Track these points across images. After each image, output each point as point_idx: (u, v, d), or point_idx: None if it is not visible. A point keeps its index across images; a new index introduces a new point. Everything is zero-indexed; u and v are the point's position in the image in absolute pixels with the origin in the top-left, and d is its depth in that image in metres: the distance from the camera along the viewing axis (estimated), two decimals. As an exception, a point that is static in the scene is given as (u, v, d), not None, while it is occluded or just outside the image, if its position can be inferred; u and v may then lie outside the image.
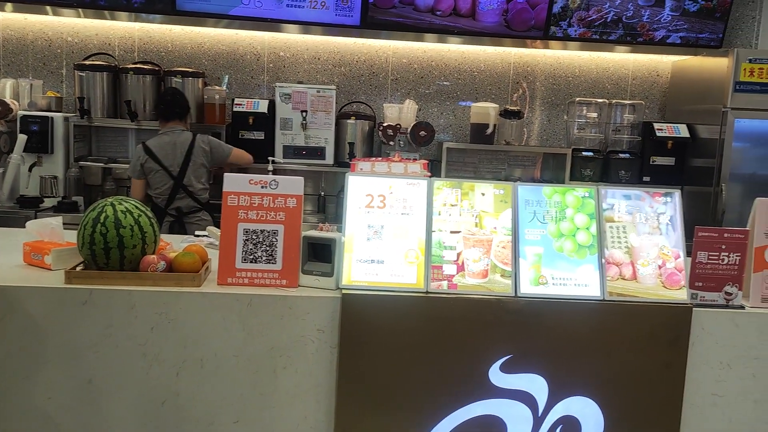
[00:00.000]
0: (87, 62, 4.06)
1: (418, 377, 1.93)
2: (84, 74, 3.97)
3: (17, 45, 4.29)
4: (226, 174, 2.02)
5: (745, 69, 3.85)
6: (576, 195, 2.04)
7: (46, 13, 4.13)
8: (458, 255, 1.98)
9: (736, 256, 1.98)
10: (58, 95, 4.12)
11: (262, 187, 2.00)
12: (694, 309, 1.95)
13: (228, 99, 4.25)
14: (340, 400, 1.92)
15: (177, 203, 3.52)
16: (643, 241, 2.00)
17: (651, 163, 4.32)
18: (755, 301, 2.02)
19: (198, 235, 2.73)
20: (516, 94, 4.60)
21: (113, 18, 4.17)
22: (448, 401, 1.94)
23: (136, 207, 1.94)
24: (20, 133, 3.70)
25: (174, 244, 2.29)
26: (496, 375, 1.94)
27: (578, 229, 2.01)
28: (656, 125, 4.29)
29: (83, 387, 1.86)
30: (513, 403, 1.95)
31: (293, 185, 2.02)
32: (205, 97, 4.14)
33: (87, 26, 4.29)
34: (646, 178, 4.33)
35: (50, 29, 4.29)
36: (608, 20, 4.31)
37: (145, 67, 4.09)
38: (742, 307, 2.00)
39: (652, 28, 4.33)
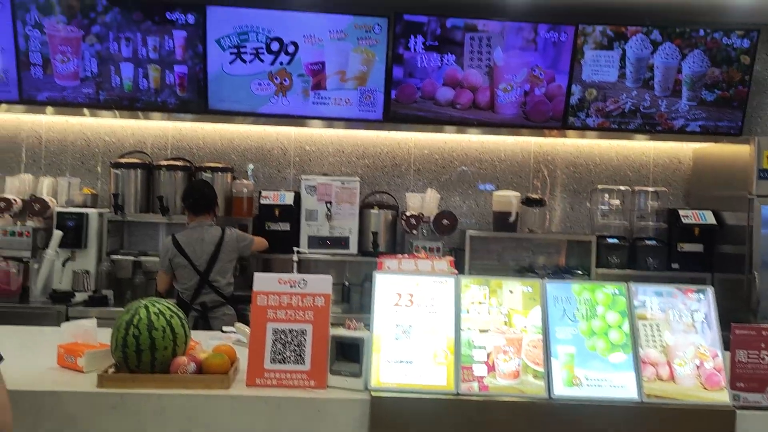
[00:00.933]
0: (122, 160, 4.23)
1: (451, 485, 1.86)
2: (119, 172, 4.13)
3: (58, 146, 4.50)
4: (256, 274, 2.05)
5: (767, 156, 3.87)
6: (606, 292, 2.02)
7: (85, 115, 4.36)
8: (488, 355, 1.95)
9: (777, 354, 1.92)
10: (94, 192, 4.28)
11: (291, 286, 2.02)
12: (737, 412, 1.87)
13: (255, 192, 4.37)
14: None
15: (202, 298, 3.54)
16: (679, 340, 1.95)
17: (679, 250, 4.27)
18: (801, 402, 1.93)
19: (225, 331, 2.73)
20: (536, 180, 4.66)
21: (148, 118, 4.38)
22: None
23: (168, 308, 1.96)
24: (56, 229, 3.82)
25: (203, 342, 2.30)
26: (531, 483, 1.86)
27: (610, 327, 1.98)
28: (681, 212, 4.28)
29: (108, 495, 1.82)
30: None
31: (322, 284, 2.04)
32: (234, 190, 4.27)
33: (123, 126, 4.51)
34: (675, 266, 4.28)
35: (89, 130, 4.51)
36: (626, 110, 4.41)
37: (178, 163, 4.25)
38: (788, 409, 1.92)
39: (671, 117, 4.42)
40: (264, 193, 4.26)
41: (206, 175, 4.19)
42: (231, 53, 4.21)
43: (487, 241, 4.62)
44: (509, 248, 4.68)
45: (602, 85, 4.37)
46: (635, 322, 1.98)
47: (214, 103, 4.26)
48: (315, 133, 4.62)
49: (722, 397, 1.89)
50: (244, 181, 4.31)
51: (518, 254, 4.69)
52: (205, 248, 3.55)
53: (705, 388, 1.90)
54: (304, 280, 2.04)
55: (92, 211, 4.03)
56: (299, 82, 4.29)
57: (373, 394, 1.89)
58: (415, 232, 4.26)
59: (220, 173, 4.24)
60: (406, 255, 2.30)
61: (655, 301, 2.01)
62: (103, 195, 4.38)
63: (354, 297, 4.42)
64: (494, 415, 1.87)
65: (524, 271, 4.50)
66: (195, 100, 4.27)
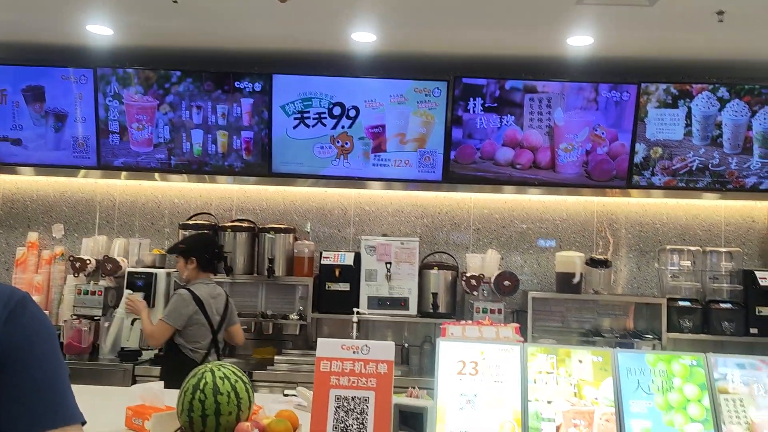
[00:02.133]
0: (190, 222, 4.40)
1: None
2: (186, 233, 4.28)
3: (130, 208, 4.73)
4: (319, 340, 2.05)
5: None
6: (683, 363, 1.92)
7: (157, 179, 4.58)
8: (558, 428, 1.87)
9: None
10: (163, 252, 4.44)
11: (354, 352, 2.01)
12: (837, 499, 1.71)
13: (316, 252, 4.43)
14: None
15: (211, 358, 3.41)
16: (765, 417, 1.82)
17: (757, 314, 4.04)
18: None
19: (287, 395, 2.73)
20: (601, 239, 4.54)
21: (215, 181, 4.56)
22: None
23: (234, 373, 1.98)
24: (126, 288, 3.97)
25: (265, 407, 2.30)
26: None
27: (689, 401, 1.87)
28: (758, 273, 4.07)
29: None
30: None
31: (385, 350, 2.02)
32: (296, 250, 4.34)
33: (192, 189, 4.71)
34: (753, 330, 4.04)
35: (159, 193, 4.73)
36: (693, 169, 4.29)
37: (242, 224, 4.38)
38: None
39: (742, 175, 4.26)
40: (325, 254, 4.32)
41: (269, 236, 4.29)
42: (295, 118, 4.37)
43: (550, 302, 4.50)
44: (573, 309, 4.54)
45: (668, 144, 4.29)
46: (716, 397, 1.86)
47: (278, 166, 4.41)
48: (375, 194, 4.69)
49: (819, 482, 1.73)
50: (305, 242, 4.39)
51: (582, 316, 4.53)
52: (218, 307, 3.50)
53: (799, 472, 1.75)
54: (367, 346, 2.02)
55: (161, 271, 4.17)
56: (360, 145, 4.39)
57: (438, 467, 1.83)
58: (475, 293, 4.21)
59: (282, 234, 4.33)
60: (470, 321, 2.26)
61: (737, 373, 1.89)
62: (172, 256, 4.54)
63: (413, 359, 4.36)
64: (566, 494, 1.78)
65: (590, 334, 4.34)
66: (259, 163, 4.42)
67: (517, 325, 2.23)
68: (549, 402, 1.91)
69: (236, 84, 4.35)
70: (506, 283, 4.20)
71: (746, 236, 4.50)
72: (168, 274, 4.19)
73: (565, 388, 1.93)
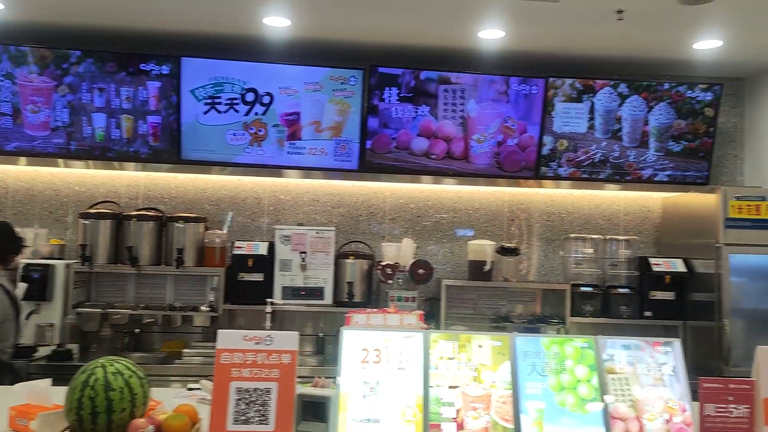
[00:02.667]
0: (92, 210, 4.18)
1: None
2: (88, 222, 4.07)
3: (25, 195, 4.45)
4: (219, 331, 2.00)
5: (733, 206, 3.95)
6: (575, 346, 2.01)
7: (57, 165, 4.32)
8: (457, 412, 1.91)
9: (745, 408, 1.91)
10: (62, 243, 4.21)
11: (257, 343, 1.98)
12: (708, 468, 1.85)
13: (228, 242, 4.33)
14: None
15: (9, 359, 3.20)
16: (648, 394, 1.94)
17: (650, 298, 4.30)
18: (772, 457, 1.92)
19: (191, 389, 2.66)
20: (513, 226, 4.69)
21: (120, 168, 4.36)
22: None
23: (128, 367, 1.90)
24: (21, 281, 3.73)
25: (166, 402, 2.22)
26: None
27: (579, 381, 1.96)
28: (652, 260, 4.32)
29: None
30: None
31: (288, 340, 2.00)
32: (206, 240, 4.22)
33: (94, 176, 4.48)
34: (648, 313, 4.29)
35: (59, 180, 4.47)
36: (596, 161, 4.50)
37: (149, 213, 4.21)
38: (759, 464, 1.89)
39: (639, 167, 4.51)
40: (237, 243, 4.23)
41: (178, 225, 4.15)
42: (206, 104, 4.24)
43: (463, 290, 4.61)
44: (485, 297, 4.67)
45: (573, 136, 4.47)
46: (604, 377, 1.96)
47: (187, 153, 4.26)
48: (290, 182, 4.63)
49: (693, 453, 1.86)
50: (217, 231, 4.28)
51: (494, 303, 4.68)
52: (17, 300, 3.30)
53: (675, 444, 1.87)
54: (270, 336, 1.99)
55: (59, 263, 3.94)
56: (274, 132, 4.32)
57: (339, 455, 1.83)
58: (390, 281, 4.24)
59: (192, 223, 4.19)
60: (375, 309, 2.28)
61: (624, 354, 2.00)
62: (72, 246, 4.31)
63: (328, 349, 4.35)
64: (463, 475, 1.82)
65: (500, 320, 4.49)
66: (168, 150, 4.26)
67: (422, 312, 2.27)
68: (450, 387, 1.95)
69: (142, 66, 4.16)
70: (421, 271, 4.26)
71: (642, 225, 4.78)
72: (67, 266, 3.97)
73: (466, 372, 1.97)
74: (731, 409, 1.92)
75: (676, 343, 2.01)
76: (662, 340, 2.02)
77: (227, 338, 1.99)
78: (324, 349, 4.36)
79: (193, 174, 4.52)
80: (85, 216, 4.11)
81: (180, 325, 4.18)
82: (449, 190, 4.72)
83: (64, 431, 1.85)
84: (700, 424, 1.91)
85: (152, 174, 4.49)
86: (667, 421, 1.91)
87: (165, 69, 4.18)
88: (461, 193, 4.74)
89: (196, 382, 2.72)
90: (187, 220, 4.19)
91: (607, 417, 1.90)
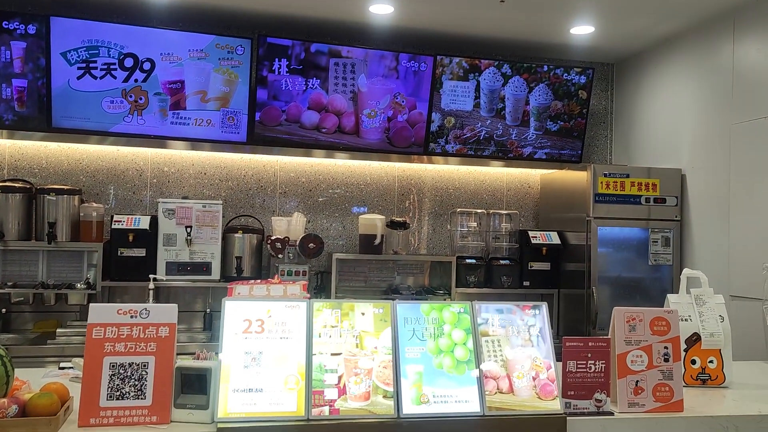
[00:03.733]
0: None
1: None
2: (-56, 193, 3.71)
3: None
4: (92, 305, 1.91)
5: (602, 182, 4.26)
6: (452, 311, 2.10)
7: None
8: (340, 378, 1.95)
9: (602, 363, 2.10)
10: None
11: (132, 317, 1.91)
12: (568, 418, 2.01)
13: (107, 216, 4.10)
14: None
15: None
16: (517, 354, 2.07)
17: (529, 268, 4.57)
18: (623, 407, 2.12)
19: (63, 367, 2.52)
20: (402, 204, 4.80)
21: (-18, 134, 3.99)
22: None
23: (-14, 346, 1.77)
24: None
25: (33, 382, 2.09)
26: (381, 504, 1.88)
27: (456, 344, 2.06)
28: (531, 233, 4.59)
29: None
30: None
31: (166, 313, 1.94)
32: (82, 214, 3.97)
33: (-49, 143, 4.07)
34: (526, 283, 4.56)
35: None
36: (481, 138, 4.68)
37: (15, 185, 3.89)
38: (612, 414, 2.09)
39: (520, 145, 4.75)
40: (116, 217, 4.01)
41: (49, 198, 3.87)
42: (79, 68, 3.96)
43: (354, 263, 4.67)
44: (375, 270, 4.76)
45: (459, 114, 4.62)
46: (479, 339, 2.07)
47: (59, 121, 3.97)
48: (175, 154, 4.45)
49: (555, 405, 2.02)
50: (94, 204, 4.03)
51: (384, 275, 4.78)
52: None
53: (540, 398, 2.02)
54: (146, 309, 1.93)
55: None
56: (156, 101, 4.11)
57: (219, 426, 1.82)
58: (281, 255, 4.21)
59: (65, 195, 3.93)
60: (259, 281, 2.26)
61: (497, 318, 2.12)
62: (-75, 220, 3.90)
63: (216, 324, 4.26)
64: (344, 438, 1.87)
65: (390, 291, 4.59)
66: (36, 117, 3.95)
67: (305, 282, 2.28)
68: (333, 354, 1.98)
69: (4, 24, 3.81)
70: (311, 245, 4.26)
71: (523, 200, 5.05)
72: None
73: (349, 339, 2.01)
74: (590, 365, 2.10)
75: (543, 307, 2.16)
76: (531, 304, 2.16)
77: (100, 312, 1.91)
78: (212, 325, 4.27)
79: (66, 144, 4.22)
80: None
81: (54, 303, 3.93)
82: (341, 164, 4.74)
83: None
84: (563, 380, 2.08)
85: (19, 143, 4.15)
86: (534, 378, 2.06)
87: (31, 28, 3.85)
88: (353, 167, 4.77)
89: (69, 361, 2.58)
90: (59, 192, 3.91)
91: (481, 377, 2.02)
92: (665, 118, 4.59)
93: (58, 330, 3.81)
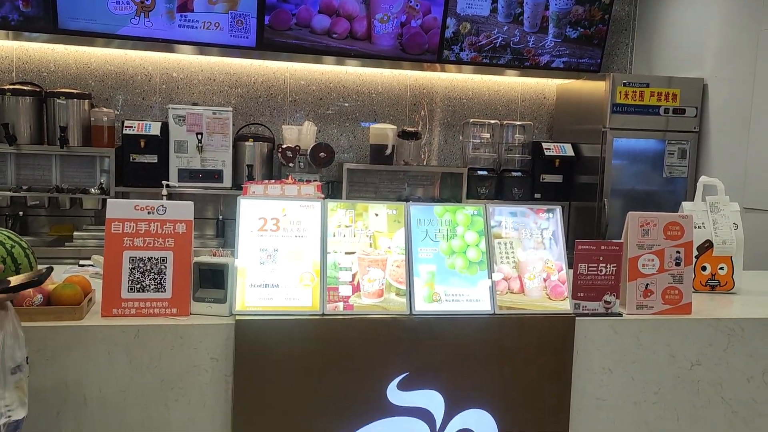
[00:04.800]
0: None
1: (316, 401, 1.91)
2: (-47, 95, 3.67)
3: None
4: (109, 200, 1.93)
5: (620, 92, 4.15)
6: (465, 213, 2.11)
7: None
8: (353, 276, 1.99)
9: (613, 266, 2.12)
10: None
11: (149, 213, 1.93)
12: (576, 318, 2.06)
13: (118, 121, 4.08)
14: (237, 428, 1.87)
15: None
16: (529, 256, 2.10)
17: (541, 180, 4.55)
18: (631, 308, 2.16)
19: (83, 265, 2.58)
20: (414, 114, 4.72)
21: (-13, 36, 3.91)
22: (347, 423, 1.93)
23: (9, 237, 1.80)
24: None
25: (55, 276, 2.15)
26: (393, 393, 1.96)
27: (468, 246, 2.08)
28: (544, 145, 4.53)
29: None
30: (411, 420, 1.97)
31: (182, 210, 1.96)
32: (93, 119, 3.95)
33: (-43, 44, 3.99)
34: (537, 195, 4.56)
35: None
36: (497, 45, 4.54)
37: (25, 88, 3.84)
38: (620, 315, 2.13)
39: (537, 53, 4.60)
40: (127, 123, 3.99)
41: (59, 101, 3.83)
42: (83, -35, 3.81)
43: (365, 174, 4.66)
44: (386, 180, 4.76)
45: (476, 19, 4.45)
46: (491, 241, 2.09)
47: (65, 22, 3.87)
48: (183, 59, 4.35)
49: (564, 306, 2.06)
50: (104, 109, 4.00)
51: (395, 186, 4.78)
52: None
53: (550, 299, 2.06)
54: (163, 206, 1.94)
55: None
56: (162, 2, 3.98)
57: (238, 318, 1.87)
58: (291, 164, 4.20)
59: (75, 99, 3.89)
60: (272, 181, 2.26)
61: (510, 220, 2.13)
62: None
63: (229, 232, 4.33)
64: (358, 332, 1.93)
65: (400, 202, 4.60)
66: (42, 17, 3.84)
67: (319, 183, 2.27)
68: (347, 253, 2.01)
69: None
70: (322, 154, 4.24)
71: (538, 111, 4.95)
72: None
73: (362, 239, 2.03)
74: (601, 268, 2.12)
75: (557, 210, 2.16)
76: (545, 207, 2.16)
77: (117, 208, 1.92)
78: (225, 233, 4.33)
79: (74, 47, 4.13)
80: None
81: (69, 208, 3.98)
82: (352, 72, 4.63)
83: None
84: (573, 282, 2.11)
85: (26, 44, 4.06)
86: (545, 280, 2.09)
87: None
88: (364, 75, 4.66)
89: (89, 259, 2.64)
90: (69, 96, 3.87)
91: (492, 277, 2.05)
92: (690, 24, 4.41)
93: (74, 233, 3.88)
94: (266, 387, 1.88)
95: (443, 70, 4.64)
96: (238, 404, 1.86)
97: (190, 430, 1.86)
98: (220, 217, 4.36)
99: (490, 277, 2.05)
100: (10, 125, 3.71)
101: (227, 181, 4.13)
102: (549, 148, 4.51)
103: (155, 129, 3.97)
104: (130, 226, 1.90)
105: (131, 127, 3.94)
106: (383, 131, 4.42)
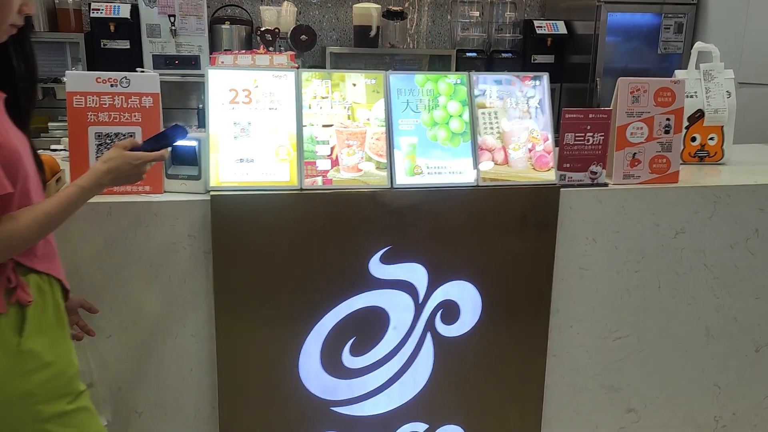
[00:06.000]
0: None
1: (298, 276, 1.90)
2: None
3: None
4: (68, 72, 1.82)
5: (617, -38, 3.91)
6: (448, 82, 2.01)
7: None
8: (332, 149, 1.91)
9: (600, 136, 2.05)
10: None
11: (112, 85, 1.82)
12: (561, 189, 2.01)
13: (84, 4, 3.83)
14: (219, 304, 1.87)
15: None
16: (514, 126, 2.02)
17: (532, 61, 4.39)
18: (617, 178, 2.12)
19: (54, 149, 2.49)
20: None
21: None
22: (329, 297, 1.93)
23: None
24: None
25: (22, 158, 2.07)
26: (376, 266, 1.95)
27: (451, 116, 1.99)
28: (536, 23, 4.33)
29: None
30: (394, 292, 1.98)
31: (148, 83, 1.85)
32: (56, 2, 3.70)
33: None
34: (528, 77, 4.40)
35: None
36: None
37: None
38: (606, 185, 2.09)
39: None
40: (94, 5, 3.76)
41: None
42: None
43: (349, 57, 4.47)
44: (371, 65, 4.58)
45: None
46: (475, 111, 2.00)
47: None
48: (149, -67, 4.03)
49: (549, 176, 2.01)
50: (68, -9, 3.75)
51: (380, 70, 4.59)
52: None
53: (535, 170, 2.01)
54: (126, 78, 1.83)
55: None
56: None
57: (213, 194, 1.82)
58: (271, 48, 4.00)
59: (35, -20, 3.62)
60: (243, 51, 2.13)
61: (495, 89, 2.03)
62: None
63: (211, 120, 4.20)
64: (338, 206, 1.88)
65: (379, 71, 4.46)
66: None
67: (293, 53, 2.15)
68: (324, 126, 1.93)
69: None
70: (303, 37, 4.05)
71: (530, -13, 4.69)
72: None
73: (340, 111, 1.94)
74: (588, 138, 2.05)
75: (544, 78, 2.06)
76: (531, 74, 2.06)
77: (78, 80, 1.81)
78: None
79: None
80: None
81: (42, 98, 3.83)
82: (332, -54, 4.33)
83: None
84: (559, 152, 2.04)
85: None
86: (530, 150, 2.02)
87: None
88: (346, -50, 4.36)
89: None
90: (28, -24, 3.60)
91: (476, 148, 1.98)
92: None
93: (49, 124, 3.76)
94: (246, 263, 1.86)
95: (430, -58, 4.34)
96: (219, 279, 1.85)
97: (172, 308, 1.86)
98: (200, 105, 4.22)
99: (474, 148, 1.98)
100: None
101: (204, 67, 3.95)
102: (541, 27, 4.31)
103: (125, 11, 3.75)
104: (93, 100, 1.80)
105: (99, 9, 3.72)
106: (367, 11, 4.19)
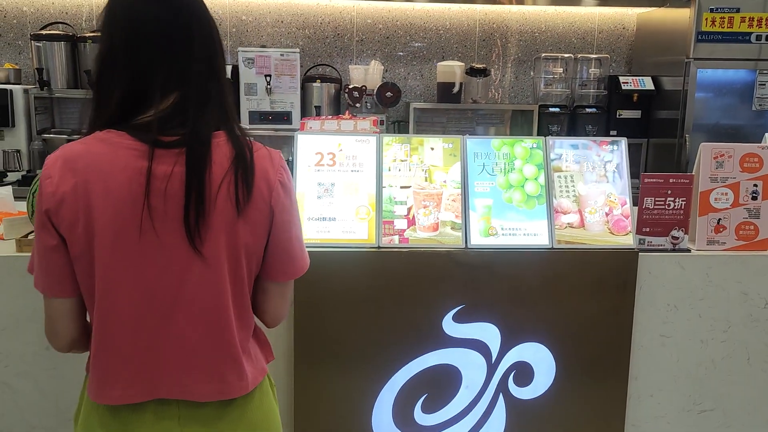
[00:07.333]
0: (44, 32, 3.96)
1: (373, 331, 1.97)
2: (41, 44, 3.87)
3: (-31, 16, 4.19)
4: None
5: (707, 19, 3.84)
6: (524, 146, 2.06)
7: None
8: (409, 210, 2.00)
9: (682, 200, 2.02)
10: (17, 67, 4.04)
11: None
12: (640, 253, 1.99)
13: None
14: (298, 355, 1.96)
15: None
16: (591, 190, 2.03)
17: (617, 116, 4.34)
18: (701, 244, 2.06)
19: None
20: (483, 51, 4.58)
21: (67, -15, 4.07)
22: (403, 353, 1.99)
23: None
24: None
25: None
26: (449, 325, 1.98)
27: (527, 179, 2.03)
28: (622, 78, 4.29)
29: (41, 353, 1.88)
30: (467, 351, 2.00)
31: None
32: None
33: (41, -5, 4.19)
34: (613, 132, 4.36)
35: (4, 1, 4.18)
36: (572, -27, 4.28)
37: (56, 32, 3.98)
38: (688, 251, 2.04)
39: (616, -21, 4.30)
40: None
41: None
42: None
43: (432, 113, 4.59)
44: (453, 119, 4.68)
45: (549, -54, 4.20)
46: (551, 174, 2.03)
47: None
48: (252, 2, 4.39)
49: (627, 240, 2.00)
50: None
51: (463, 125, 4.70)
52: None
53: (612, 233, 2.00)
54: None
55: (17, 87, 3.81)
56: (229, -56, 4.00)
57: (296, 249, 1.93)
58: (358, 105, 4.20)
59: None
60: (329, 116, 2.28)
61: (571, 153, 2.06)
62: (28, 71, 4.15)
63: (299, 172, 4.42)
64: (414, 265, 1.95)
65: (456, 135, 4.53)
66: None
67: (375, 117, 2.27)
68: (402, 187, 2.02)
69: None
70: (388, 94, 4.21)
71: (616, 43, 4.67)
72: (25, 91, 3.85)
73: (418, 173, 2.03)
74: (669, 202, 2.03)
75: (622, 142, 2.07)
76: (609, 139, 2.07)
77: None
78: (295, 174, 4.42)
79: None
80: (37, 38, 3.90)
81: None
82: (419, 8, 4.52)
83: (29, 234, 1.92)
84: (638, 216, 2.03)
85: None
86: (607, 214, 2.02)
87: None
88: (431, 11, 4.54)
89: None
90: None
91: (551, 211, 2.01)
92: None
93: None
94: (325, 316, 1.95)
95: (515, 2, 4.44)
96: (299, 331, 1.95)
97: (255, 354, 1.97)
98: (290, 158, 4.45)
99: (549, 211, 2.00)
100: (92, 72, 3.90)
101: (296, 122, 4.19)
102: (627, 82, 4.27)
103: (228, 71, 4.05)
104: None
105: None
106: (450, 68, 4.32)
